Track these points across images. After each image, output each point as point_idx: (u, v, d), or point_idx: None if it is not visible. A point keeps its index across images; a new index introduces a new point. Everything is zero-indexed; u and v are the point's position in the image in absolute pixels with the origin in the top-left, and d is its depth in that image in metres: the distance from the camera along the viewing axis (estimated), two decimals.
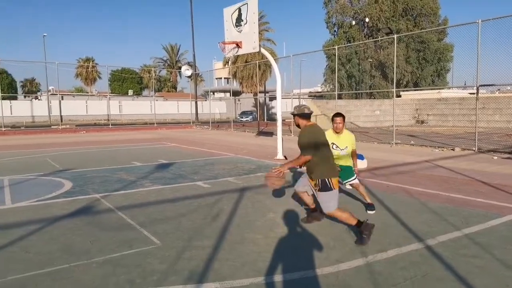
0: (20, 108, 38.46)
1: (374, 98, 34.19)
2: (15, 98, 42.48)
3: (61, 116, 38.72)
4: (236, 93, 51.56)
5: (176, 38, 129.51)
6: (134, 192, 6.31)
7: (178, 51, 64.34)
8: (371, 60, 37.50)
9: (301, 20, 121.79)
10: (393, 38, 14.42)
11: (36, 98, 45.96)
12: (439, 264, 3.29)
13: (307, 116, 4.20)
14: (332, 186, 3.91)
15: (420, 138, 14.68)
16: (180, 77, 64.35)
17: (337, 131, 4.88)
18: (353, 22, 39.70)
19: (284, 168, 4.05)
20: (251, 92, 35.73)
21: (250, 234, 4.13)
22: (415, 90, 32.06)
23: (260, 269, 3.22)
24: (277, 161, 9.79)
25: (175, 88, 64.96)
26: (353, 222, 3.88)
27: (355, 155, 5.10)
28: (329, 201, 3.91)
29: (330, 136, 4.72)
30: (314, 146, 4.00)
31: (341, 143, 4.90)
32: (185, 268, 3.26)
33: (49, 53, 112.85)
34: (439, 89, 29.40)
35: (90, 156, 11.25)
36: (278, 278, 3.07)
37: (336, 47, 18.19)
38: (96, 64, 56.22)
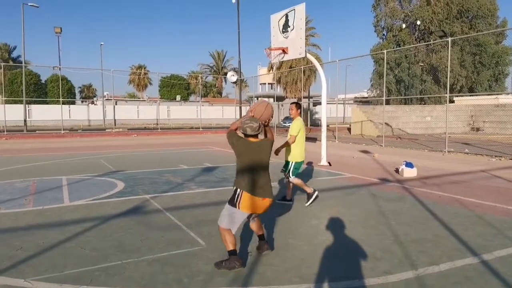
0: (78, 112, 41.21)
1: (425, 104, 32.70)
2: (73, 103, 45.57)
3: (114, 120, 41.00)
4: (279, 98, 51.76)
5: (223, 45, 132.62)
6: (181, 194, 6.52)
7: (224, 57, 65.83)
8: (422, 64, 35.95)
9: (348, 24, 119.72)
10: (447, 41, 13.74)
11: (92, 103, 49.04)
12: (496, 280, 3.08)
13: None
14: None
15: (475, 146, 13.82)
16: (225, 82, 65.72)
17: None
18: (403, 25, 38.32)
19: None
20: (295, 97, 35.61)
21: (294, 240, 4.11)
22: (470, 95, 30.25)
23: (303, 276, 3.20)
24: (321, 167, 9.66)
25: (220, 93, 66.37)
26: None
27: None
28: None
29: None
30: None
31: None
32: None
33: (105, 61, 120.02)
34: (497, 94, 27.47)
35: (141, 158, 11.79)
36: (322, 286, 3.03)
37: (385, 51, 17.68)
38: (147, 71, 59.05)
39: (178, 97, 51.03)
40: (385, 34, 41.48)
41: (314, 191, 5.63)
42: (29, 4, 25.91)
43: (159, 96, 51.18)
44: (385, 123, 18.28)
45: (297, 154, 5.69)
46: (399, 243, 3.96)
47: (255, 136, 3.42)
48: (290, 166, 5.71)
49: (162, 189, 6.92)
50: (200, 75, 45.62)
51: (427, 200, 5.94)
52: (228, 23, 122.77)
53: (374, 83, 38.76)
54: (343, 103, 45.99)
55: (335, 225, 4.67)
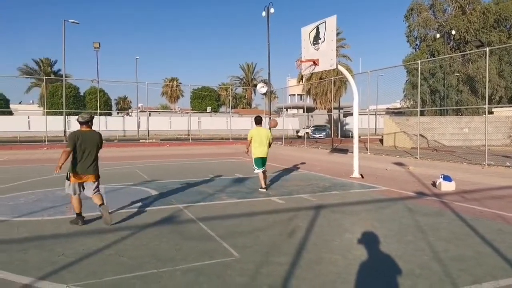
0: (114, 123, 42.73)
1: (461, 115, 31.49)
2: (110, 114, 47.39)
3: (148, 130, 42.25)
4: (309, 110, 51.46)
5: (253, 57, 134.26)
6: (212, 204, 6.59)
7: (254, 69, 66.59)
8: (458, 74, 34.76)
9: (378, 34, 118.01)
10: (485, 51, 13.25)
11: (127, 114, 50.78)
12: None
13: (81, 123, 5.27)
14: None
15: None
16: (255, 94, 66.30)
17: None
18: (438, 35, 37.34)
19: None
20: (325, 108, 35.34)
21: (328, 254, 4.05)
22: (510, 106, 28.85)
23: None
24: (353, 179, 9.48)
25: (250, 104, 66.94)
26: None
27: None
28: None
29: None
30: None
31: None
32: (264, 283, 3.30)
33: (139, 74, 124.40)
34: None
35: (173, 168, 12.05)
36: None
37: (419, 61, 17.26)
38: (179, 83, 60.69)
39: (208, 109, 51.92)
40: (418, 44, 40.62)
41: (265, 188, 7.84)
42: (70, 20, 27.40)
43: (191, 108, 52.31)
44: (420, 134, 17.73)
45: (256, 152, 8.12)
46: (438, 260, 3.81)
47: None
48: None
49: (194, 199, 7.02)
50: (230, 87, 46.28)
51: (467, 215, 5.68)
52: (258, 36, 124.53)
53: (407, 94, 37.85)
54: (375, 114, 45.13)
55: (369, 239, 4.56)
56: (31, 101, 67.80)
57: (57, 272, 3.54)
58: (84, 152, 5.13)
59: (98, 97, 30.16)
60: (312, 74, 35.17)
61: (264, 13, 29.07)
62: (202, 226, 5.16)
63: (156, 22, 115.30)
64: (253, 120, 8.40)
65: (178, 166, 12.96)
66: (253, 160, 8.13)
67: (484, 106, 12.64)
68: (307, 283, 3.31)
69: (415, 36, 40.16)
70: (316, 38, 9.20)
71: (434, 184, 8.26)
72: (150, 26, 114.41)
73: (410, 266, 3.68)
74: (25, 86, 51.70)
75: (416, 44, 40.65)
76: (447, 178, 7.89)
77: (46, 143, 22.87)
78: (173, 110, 54.90)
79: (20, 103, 58.53)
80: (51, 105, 42.02)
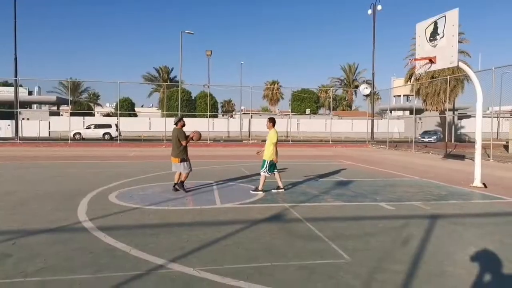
0: (219, 125, 45.67)
1: None
2: (216, 116, 50.90)
3: (249, 132, 44.14)
4: (417, 111, 47.63)
5: (355, 57, 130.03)
6: (318, 206, 6.62)
7: (356, 70, 64.36)
8: None
9: (501, 28, 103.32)
10: None
11: (231, 116, 53.80)
12: None
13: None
14: None
15: None
16: (356, 95, 64.03)
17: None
18: None
19: None
20: (437, 110, 32.35)
21: (450, 267, 3.74)
22: None
23: None
24: (474, 189, 8.53)
25: (350, 106, 64.89)
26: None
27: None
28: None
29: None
30: None
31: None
32: None
33: (243, 77, 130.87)
34: None
35: None
36: None
37: None
38: (280, 86, 62.03)
39: (307, 111, 51.93)
40: None
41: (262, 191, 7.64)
42: (186, 31, 30.21)
43: (290, 110, 53.01)
44: None
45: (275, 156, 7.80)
46: None
47: None
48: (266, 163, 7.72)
49: (299, 199, 7.14)
50: (330, 88, 45.56)
51: None
52: (360, 34, 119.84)
53: None
54: (497, 117, 39.72)
55: (498, 255, 4.08)
56: (151, 105, 76.70)
57: (185, 256, 3.99)
58: (172, 141, 7.79)
59: (209, 100, 32.62)
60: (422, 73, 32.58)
61: (370, 11, 27.99)
62: (309, 226, 5.24)
63: (260, 29, 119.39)
64: (268, 122, 7.94)
65: (279, 166, 13.25)
66: (270, 163, 7.70)
67: None
68: None
69: None
70: (434, 34, 8.49)
71: None
72: (255, 33, 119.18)
73: None
74: (147, 91, 58.65)
75: None
76: None
77: (165, 141, 25.61)
78: (273, 112, 56.32)
79: (142, 106, 66.80)
80: (168, 108, 46.90)
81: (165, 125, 26.85)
